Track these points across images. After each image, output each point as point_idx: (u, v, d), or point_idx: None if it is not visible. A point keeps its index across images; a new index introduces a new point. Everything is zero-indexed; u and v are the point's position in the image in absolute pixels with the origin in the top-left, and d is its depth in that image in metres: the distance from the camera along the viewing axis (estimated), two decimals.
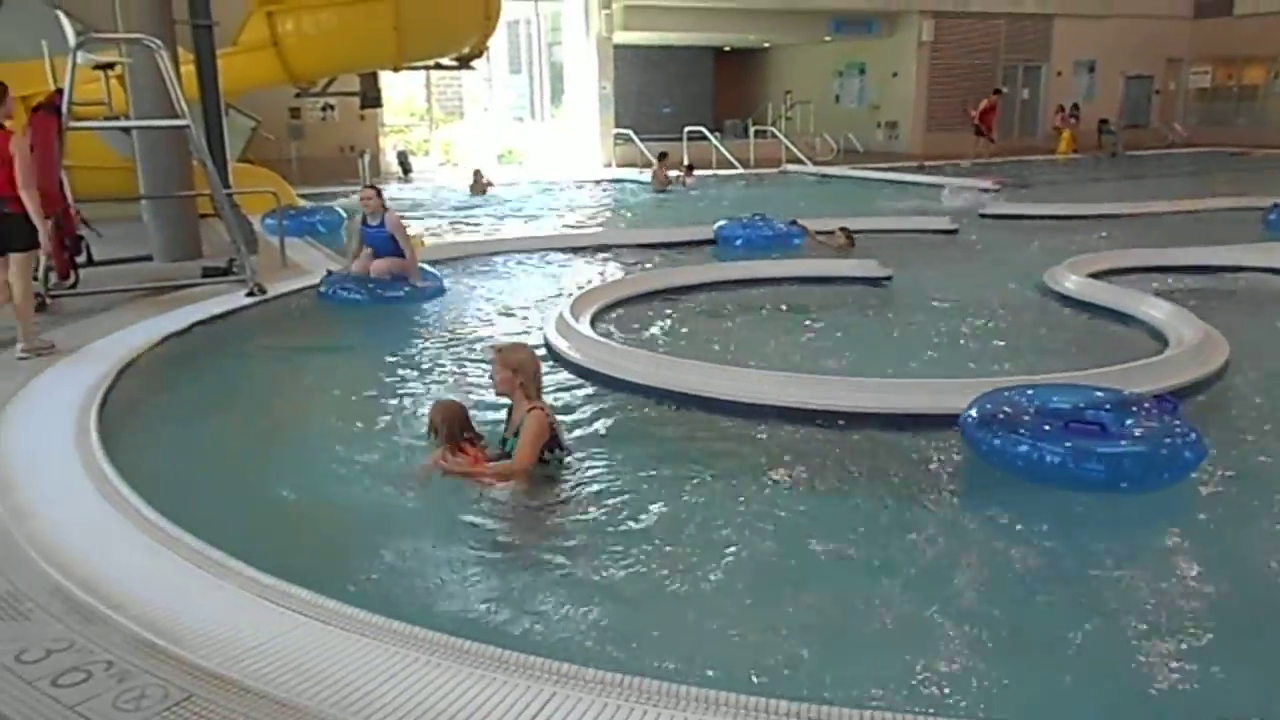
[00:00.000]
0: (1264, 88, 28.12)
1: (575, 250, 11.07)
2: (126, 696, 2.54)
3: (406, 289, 8.22)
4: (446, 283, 8.68)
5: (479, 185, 17.53)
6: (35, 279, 7.54)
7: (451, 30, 15.63)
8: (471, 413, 4.63)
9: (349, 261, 8.47)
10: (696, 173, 18.88)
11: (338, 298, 8.03)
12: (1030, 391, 4.57)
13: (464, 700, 2.51)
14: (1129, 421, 4.20)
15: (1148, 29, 27.85)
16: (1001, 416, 4.32)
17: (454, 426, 4.40)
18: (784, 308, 8.11)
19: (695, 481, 4.37)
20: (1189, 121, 28.87)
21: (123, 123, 9.42)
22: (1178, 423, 4.22)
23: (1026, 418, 4.27)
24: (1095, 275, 8.46)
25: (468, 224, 14.27)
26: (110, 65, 8.91)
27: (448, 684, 2.58)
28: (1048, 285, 8.37)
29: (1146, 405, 4.32)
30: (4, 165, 5.84)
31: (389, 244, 8.26)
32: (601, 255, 10.89)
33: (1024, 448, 4.13)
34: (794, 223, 11.06)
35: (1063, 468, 4.04)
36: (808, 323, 7.60)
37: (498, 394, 4.58)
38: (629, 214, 15.50)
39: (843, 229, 10.82)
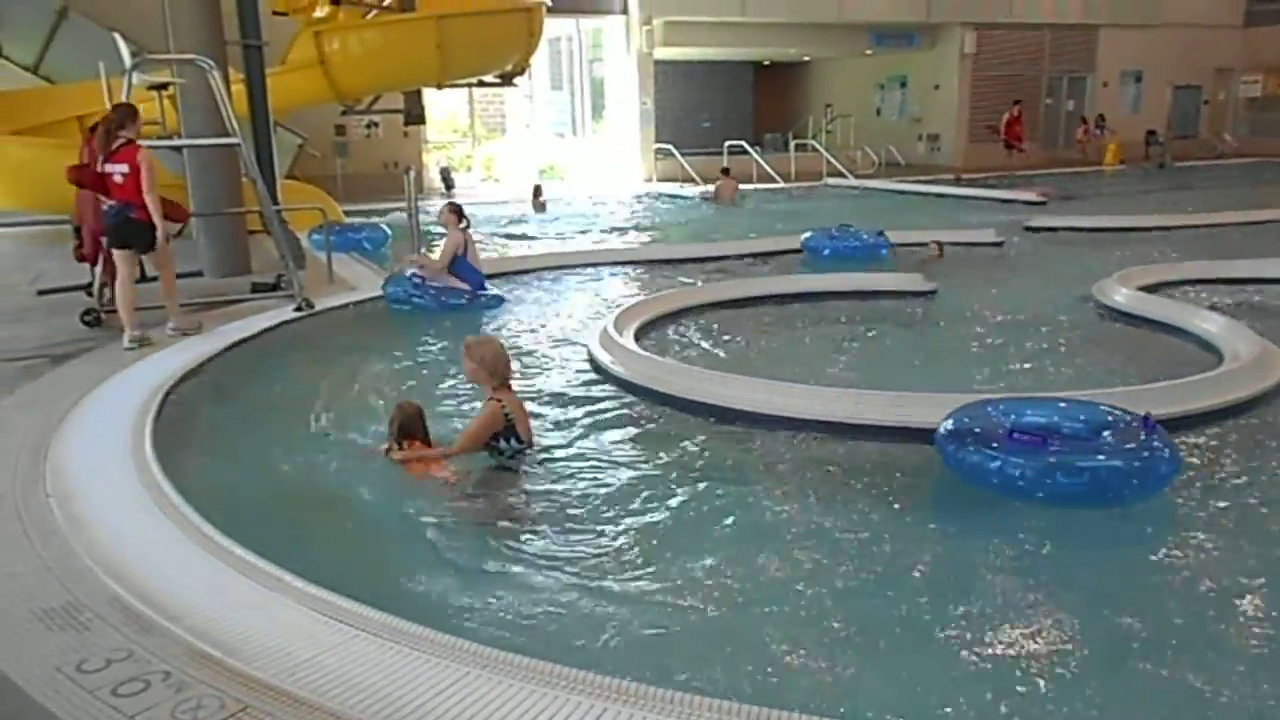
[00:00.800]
0: None
1: (658, 263, 11.21)
2: (184, 707, 2.58)
3: (468, 297, 8.65)
4: (516, 294, 9.23)
5: (539, 201, 17.70)
6: (89, 294, 7.77)
7: (494, 48, 15.84)
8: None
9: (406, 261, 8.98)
10: (741, 187, 18.88)
11: (407, 301, 8.46)
12: (1002, 406, 4.48)
13: (516, 716, 2.51)
14: (1103, 436, 4.13)
15: (1196, 38, 27.43)
16: (976, 432, 4.24)
17: (407, 424, 4.66)
18: (827, 322, 8.06)
19: (699, 488, 4.46)
20: (1239, 131, 28.35)
21: (176, 141, 9.62)
22: (1155, 438, 4.11)
23: (1000, 432, 4.17)
24: (1146, 288, 8.32)
25: (534, 238, 14.42)
26: (164, 85, 9.12)
27: (500, 699, 2.58)
28: (1097, 299, 8.24)
29: (1123, 421, 4.24)
30: (133, 175, 6.68)
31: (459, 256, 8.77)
32: (687, 267, 11.00)
33: (996, 463, 4.06)
34: (880, 233, 11.06)
35: (1035, 482, 3.97)
36: (850, 337, 7.55)
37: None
38: (698, 227, 15.41)
39: (936, 241, 11.00)
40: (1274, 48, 27.57)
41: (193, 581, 3.29)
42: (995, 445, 4.09)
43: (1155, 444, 4.07)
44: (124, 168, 6.70)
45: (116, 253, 6.93)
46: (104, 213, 6.93)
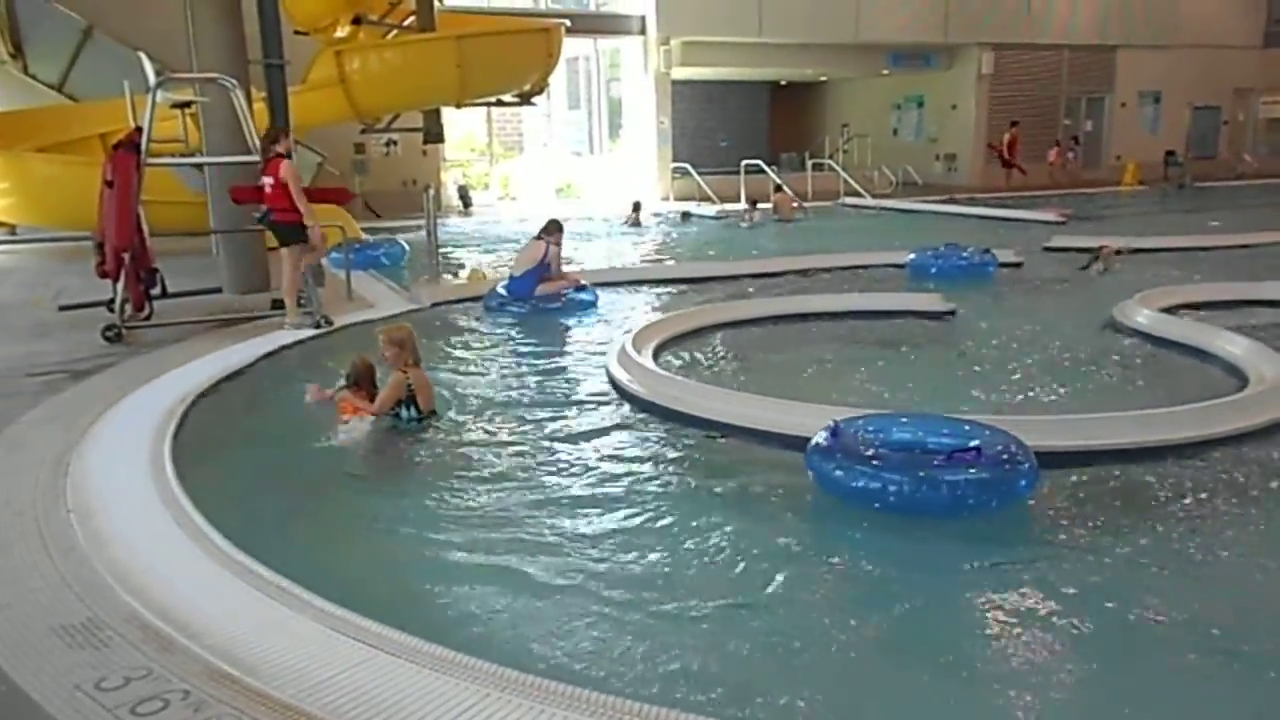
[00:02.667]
0: None
1: (761, 277, 11.33)
2: None
3: (562, 301, 9.35)
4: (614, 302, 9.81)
5: (634, 216, 17.86)
6: (111, 310, 7.83)
7: (513, 68, 15.94)
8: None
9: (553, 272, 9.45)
10: (761, 206, 18.88)
11: (504, 310, 9.15)
12: (872, 423, 4.57)
13: None
14: (966, 450, 4.19)
15: (1215, 58, 27.33)
16: (842, 447, 4.31)
17: (355, 374, 5.65)
18: (846, 342, 8.02)
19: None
20: (1259, 152, 28.21)
21: (199, 159, 9.70)
22: (1017, 452, 4.21)
23: (867, 448, 4.25)
24: (1168, 310, 8.25)
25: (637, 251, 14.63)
26: (187, 104, 9.20)
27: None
28: (1118, 320, 8.17)
29: (988, 435, 4.32)
30: (279, 185, 7.71)
31: (548, 266, 9.43)
32: (782, 279, 11.16)
33: (860, 479, 4.15)
34: (987, 251, 11.07)
35: (899, 495, 4.06)
36: (866, 357, 7.51)
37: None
38: (780, 243, 15.39)
39: (1106, 246, 11.28)
40: None
41: (212, 599, 3.29)
42: (859, 461, 4.18)
43: (1016, 459, 4.17)
44: (270, 179, 7.75)
45: (280, 250, 8.06)
46: (257, 219, 8.15)
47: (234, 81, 8.36)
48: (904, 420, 4.68)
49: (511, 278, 9.48)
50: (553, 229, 9.53)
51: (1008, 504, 4.18)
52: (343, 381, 5.73)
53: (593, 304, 9.51)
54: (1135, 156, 26.08)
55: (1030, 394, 6.34)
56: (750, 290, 10.46)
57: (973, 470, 4.08)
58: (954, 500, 4.07)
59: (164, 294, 8.50)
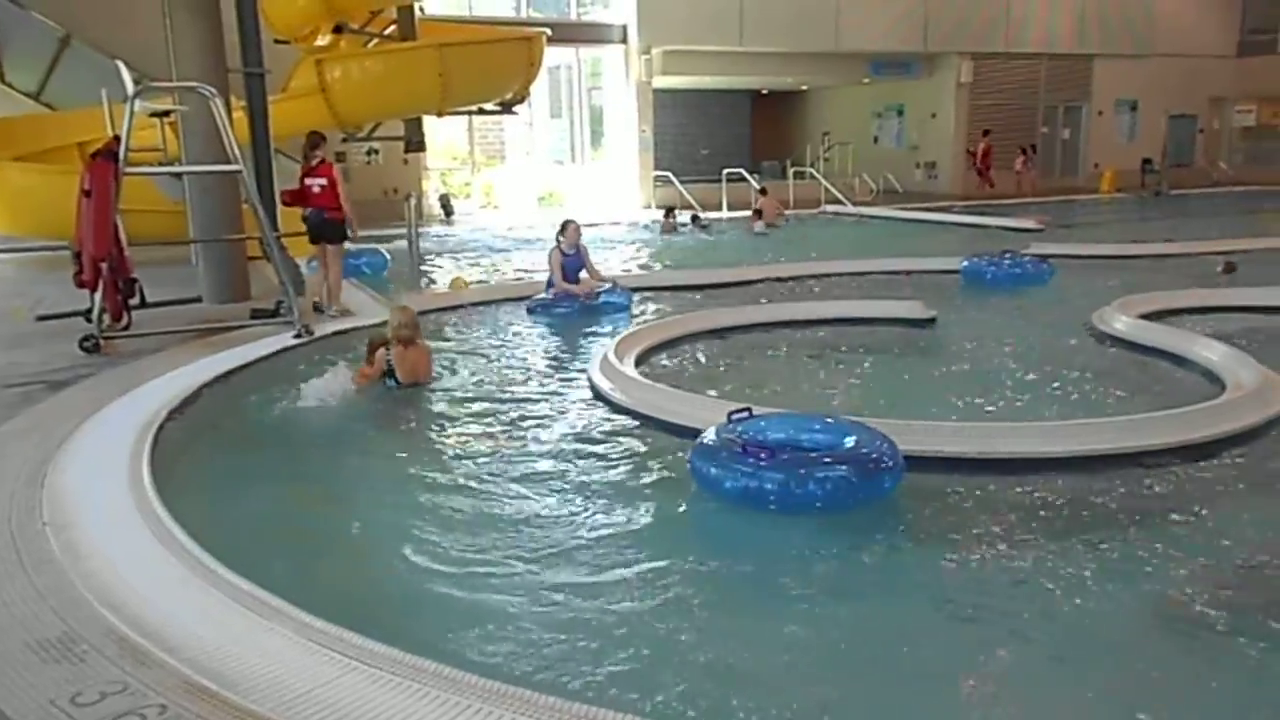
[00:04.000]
0: None
1: (811, 278, 11.54)
2: None
3: (602, 300, 9.65)
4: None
5: (669, 224, 17.87)
6: (89, 320, 7.76)
7: (495, 77, 15.92)
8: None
9: (555, 280, 9.81)
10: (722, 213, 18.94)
11: (550, 313, 9.50)
12: (748, 424, 4.70)
13: None
14: (837, 448, 4.42)
15: (1190, 68, 27.65)
16: (719, 447, 4.48)
17: (373, 345, 6.77)
18: (827, 349, 8.05)
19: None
20: (1234, 160, 28.54)
21: (178, 168, 9.64)
22: (886, 448, 4.41)
23: (740, 448, 4.41)
24: (1146, 316, 8.32)
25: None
26: (166, 113, 9.15)
27: None
28: (1097, 326, 8.24)
29: (862, 436, 4.51)
30: (331, 186, 8.73)
31: (580, 267, 9.87)
32: (840, 280, 11.44)
33: (733, 477, 4.34)
34: (1044, 259, 11.12)
35: (771, 493, 4.27)
36: (847, 364, 7.55)
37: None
38: (785, 249, 15.36)
39: (1227, 261, 11.41)
40: (1267, 78, 27.78)
41: (190, 612, 3.25)
42: (733, 459, 4.37)
43: (883, 456, 4.37)
44: (323, 180, 8.74)
45: (320, 247, 8.97)
46: (305, 216, 8.89)
47: (213, 90, 8.30)
48: (782, 419, 4.86)
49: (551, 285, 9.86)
50: (566, 227, 9.95)
51: (870, 500, 4.36)
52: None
53: (626, 307, 9.70)
54: (1113, 164, 26.34)
55: (1010, 398, 6.38)
56: (815, 289, 10.88)
57: (839, 468, 4.27)
58: (822, 497, 4.23)
59: (143, 304, 8.43)
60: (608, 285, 9.93)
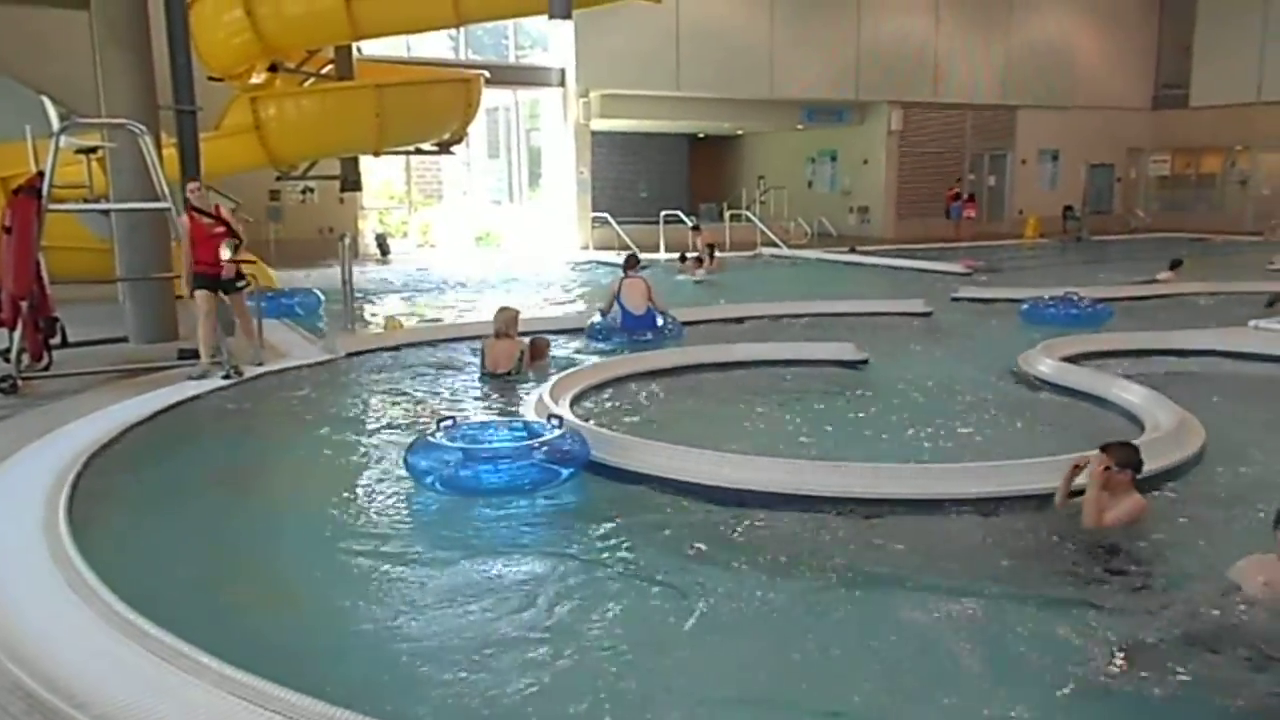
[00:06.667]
0: (1220, 176, 29.03)
1: (843, 316, 11.71)
2: None
3: (652, 334, 10.11)
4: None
5: (688, 267, 17.50)
6: (6, 360, 7.51)
7: (433, 118, 15.92)
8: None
9: (608, 310, 10.30)
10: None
11: (604, 339, 10.01)
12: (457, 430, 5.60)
13: None
14: (519, 445, 5.40)
15: (1108, 119, 28.80)
16: (426, 449, 5.32)
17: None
18: (760, 391, 8.10)
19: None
20: (1151, 208, 29.71)
21: (104, 205, 9.44)
22: (566, 445, 5.39)
23: (446, 450, 5.26)
24: (1069, 359, 8.56)
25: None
26: (93, 149, 8.96)
27: None
28: (1022, 369, 8.45)
29: (549, 432, 5.47)
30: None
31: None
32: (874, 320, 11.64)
33: (438, 470, 5.21)
34: (1099, 301, 11.31)
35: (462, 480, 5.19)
36: (776, 403, 7.63)
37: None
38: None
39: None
40: (1180, 130, 29.06)
41: (104, 665, 3.14)
42: (437, 455, 5.24)
43: (563, 449, 5.37)
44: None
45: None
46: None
47: (143, 127, 8.18)
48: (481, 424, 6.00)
49: (626, 313, 10.16)
50: (633, 262, 10.67)
51: (546, 486, 5.27)
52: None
53: (679, 335, 10.27)
54: (1036, 211, 27.26)
55: (936, 438, 6.51)
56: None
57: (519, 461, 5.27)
58: (506, 481, 5.21)
59: (64, 343, 8.20)
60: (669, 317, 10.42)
